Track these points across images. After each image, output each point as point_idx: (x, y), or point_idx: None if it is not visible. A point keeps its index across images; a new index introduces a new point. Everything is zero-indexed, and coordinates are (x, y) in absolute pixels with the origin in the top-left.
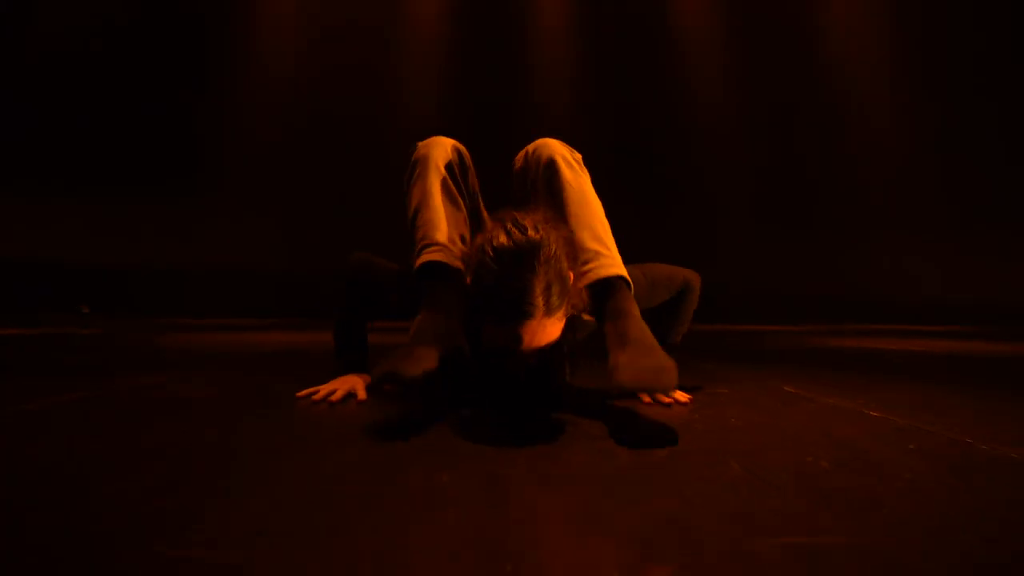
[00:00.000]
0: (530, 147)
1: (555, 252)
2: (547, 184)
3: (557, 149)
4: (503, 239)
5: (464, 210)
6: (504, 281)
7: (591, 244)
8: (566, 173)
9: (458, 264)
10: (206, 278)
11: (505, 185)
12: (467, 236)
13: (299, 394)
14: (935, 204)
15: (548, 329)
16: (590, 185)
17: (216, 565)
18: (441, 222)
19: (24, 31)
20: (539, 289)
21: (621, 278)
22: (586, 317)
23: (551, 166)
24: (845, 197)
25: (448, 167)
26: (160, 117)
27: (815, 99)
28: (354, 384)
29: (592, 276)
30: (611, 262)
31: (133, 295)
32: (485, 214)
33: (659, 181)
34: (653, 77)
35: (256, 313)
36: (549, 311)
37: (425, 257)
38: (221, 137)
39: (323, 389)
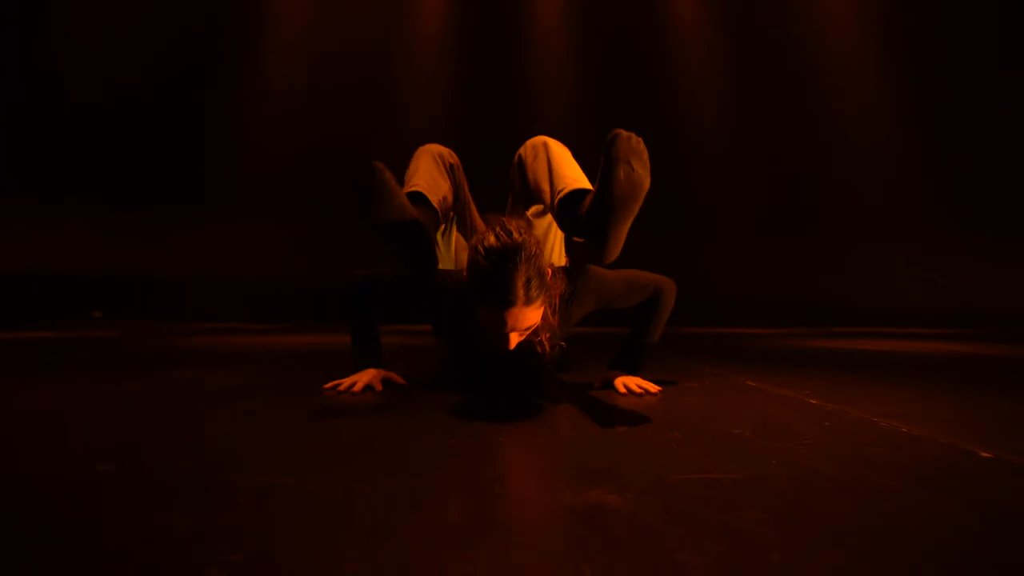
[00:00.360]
0: (527, 142)
1: (534, 252)
2: (534, 152)
3: (548, 138)
4: (492, 240)
5: (449, 183)
6: (492, 275)
7: (567, 172)
8: (552, 144)
9: (435, 205)
10: (213, 286)
11: (499, 193)
12: (449, 201)
13: (326, 386)
14: (926, 213)
15: (528, 315)
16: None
17: (291, 489)
18: (428, 178)
19: (33, 43)
20: (520, 282)
21: (587, 191)
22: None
23: (543, 143)
24: (838, 208)
25: (439, 155)
26: (172, 130)
27: (808, 114)
28: (372, 377)
29: (566, 191)
30: (579, 184)
31: (142, 302)
32: (477, 217)
33: (657, 192)
34: (649, 91)
35: (261, 318)
36: (528, 300)
37: (409, 188)
38: (232, 149)
39: (346, 381)
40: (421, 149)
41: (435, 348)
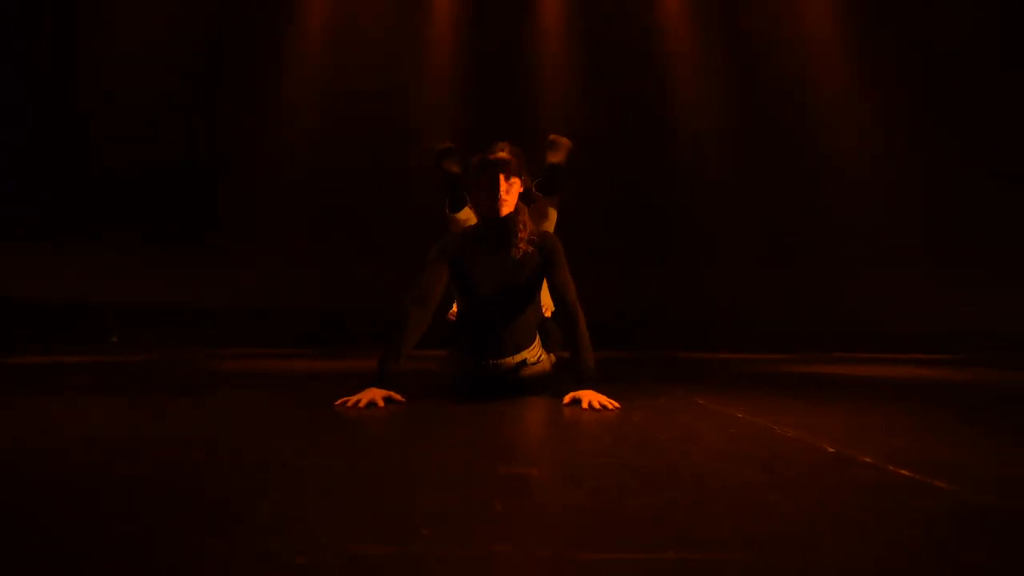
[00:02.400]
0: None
1: (517, 160)
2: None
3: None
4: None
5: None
6: (485, 152)
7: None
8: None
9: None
10: (233, 314)
11: None
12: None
13: (337, 402)
14: (915, 241)
15: (513, 186)
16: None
17: (330, 467)
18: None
19: (68, 82)
20: (506, 152)
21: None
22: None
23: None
24: (829, 239)
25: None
26: (187, 161)
27: (800, 150)
28: (375, 395)
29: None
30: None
31: (160, 329)
32: None
33: (656, 222)
34: (645, 119)
35: (271, 344)
36: (511, 170)
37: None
38: (248, 182)
39: (351, 399)
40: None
41: (444, 363)
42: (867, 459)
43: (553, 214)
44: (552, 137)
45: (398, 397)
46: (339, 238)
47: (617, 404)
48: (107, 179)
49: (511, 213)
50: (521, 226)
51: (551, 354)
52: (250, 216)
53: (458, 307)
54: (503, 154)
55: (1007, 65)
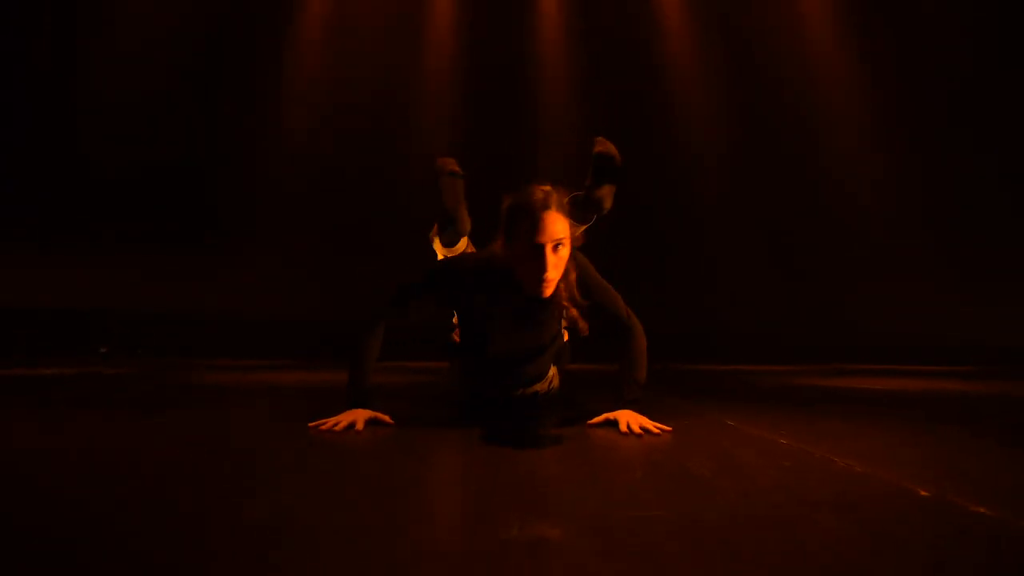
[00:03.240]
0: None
1: (555, 194)
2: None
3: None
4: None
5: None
6: (522, 196)
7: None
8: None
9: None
10: (226, 324)
11: None
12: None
13: (310, 424)
14: (924, 253)
15: (559, 222)
16: None
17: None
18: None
19: (67, 87)
20: (547, 192)
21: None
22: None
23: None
24: (838, 249)
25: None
26: (185, 168)
27: (803, 164)
28: (356, 417)
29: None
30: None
31: (152, 339)
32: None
33: (658, 237)
34: (647, 133)
35: (264, 355)
36: (559, 207)
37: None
38: (246, 188)
39: (329, 421)
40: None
41: (445, 376)
42: (981, 509)
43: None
44: (597, 138)
45: (386, 419)
46: (338, 240)
47: (667, 427)
48: (102, 181)
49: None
50: (565, 302)
51: (555, 367)
52: (250, 218)
53: (462, 337)
54: (548, 214)
55: (1007, 65)
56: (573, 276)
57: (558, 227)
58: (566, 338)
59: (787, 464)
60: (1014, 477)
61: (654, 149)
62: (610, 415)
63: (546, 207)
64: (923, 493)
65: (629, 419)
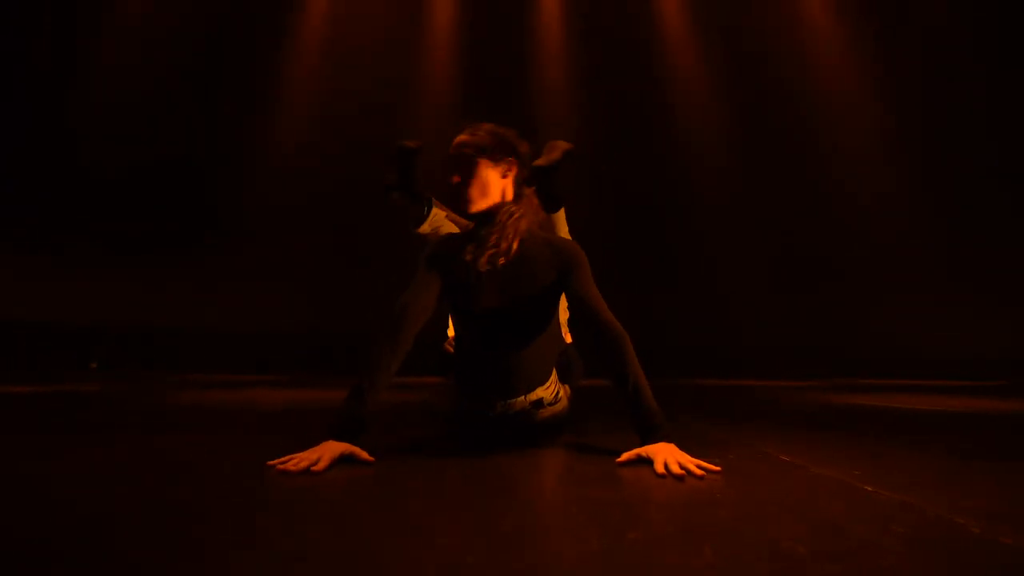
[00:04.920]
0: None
1: (490, 139)
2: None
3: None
4: None
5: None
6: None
7: None
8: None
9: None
10: (216, 338)
11: None
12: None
13: (270, 463)
14: (937, 267)
15: (484, 171)
16: None
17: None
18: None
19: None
20: (467, 134)
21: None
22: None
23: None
24: (852, 264)
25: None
26: (182, 181)
27: (808, 175)
28: (325, 454)
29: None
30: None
31: (138, 354)
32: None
33: (666, 249)
34: (653, 146)
35: (261, 370)
36: (484, 151)
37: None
38: (242, 202)
39: (294, 459)
40: None
41: (437, 395)
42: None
43: (562, 219)
44: (549, 143)
45: (364, 456)
46: (336, 245)
47: (716, 467)
48: (99, 182)
49: (496, 207)
50: (506, 224)
51: (566, 385)
52: (248, 221)
53: (455, 333)
54: (464, 136)
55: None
56: (521, 216)
57: (463, 138)
58: (568, 340)
59: (898, 531)
60: None
61: (658, 152)
62: (642, 451)
63: (464, 131)
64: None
65: (667, 457)
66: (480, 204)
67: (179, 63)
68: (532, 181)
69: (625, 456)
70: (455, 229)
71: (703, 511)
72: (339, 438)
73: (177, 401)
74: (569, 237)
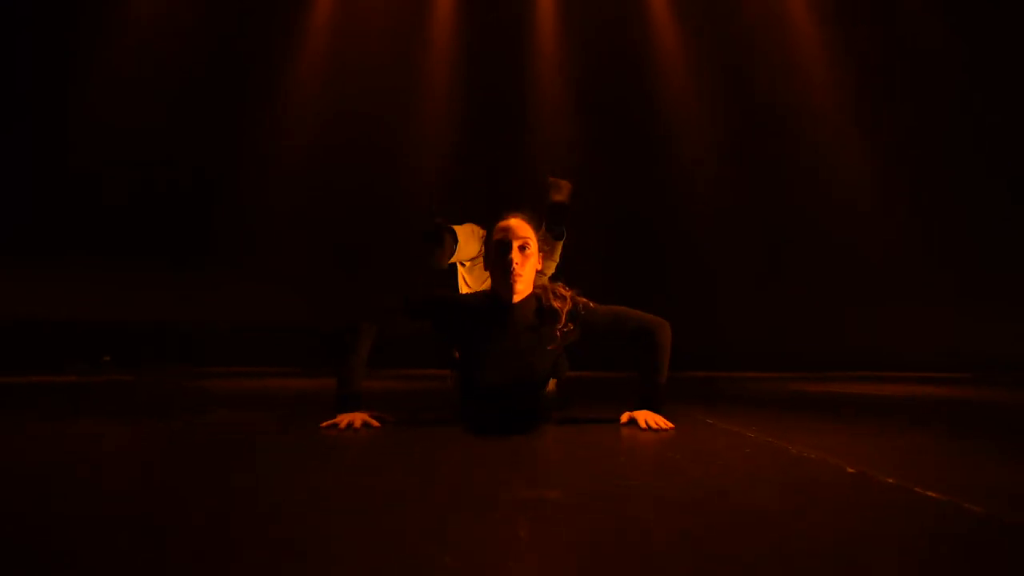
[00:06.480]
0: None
1: (531, 223)
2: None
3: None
4: None
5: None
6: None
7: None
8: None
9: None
10: (224, 335)
11: None
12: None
13: (322, 424)
14: (924, 268)
15: (522, 226)
16: None
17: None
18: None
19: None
20: (516, 219)
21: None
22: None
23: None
24: (840, 264)
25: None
26: (183, 184)
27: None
28: (355, 419)
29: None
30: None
31: (156, 349)
32: None
33: (656, 248)
34: (644, 149)
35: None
36: (523, 218)
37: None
38: (241, 203)
39: (340, 421)
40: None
41: (448, 381)
42: (890, 480)
43: (559, 246)
44: (552, 179)
45: (387, 416)
46: (335, 252)
47: (671, 424)
48: (99, 192)
49: (531, 296)
50: (556, 303)
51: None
52: (250, 225)
53: (460, 366)
54: (513, 220)
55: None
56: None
57: (522, 229)
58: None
59: (747, 451)
60: (945, 463)
61: (651, 160)
62: (632, 414)
63: (511, 214)
64: (849, 470)
65: (646, 417)
66: (524, 293)
67: (180, 67)
68: (549, 217)
69: (624, 417)
70: (472, 250)
71: (626, 449)
72: (352, 410)
73: (208, 388)
74: (558, 260)
